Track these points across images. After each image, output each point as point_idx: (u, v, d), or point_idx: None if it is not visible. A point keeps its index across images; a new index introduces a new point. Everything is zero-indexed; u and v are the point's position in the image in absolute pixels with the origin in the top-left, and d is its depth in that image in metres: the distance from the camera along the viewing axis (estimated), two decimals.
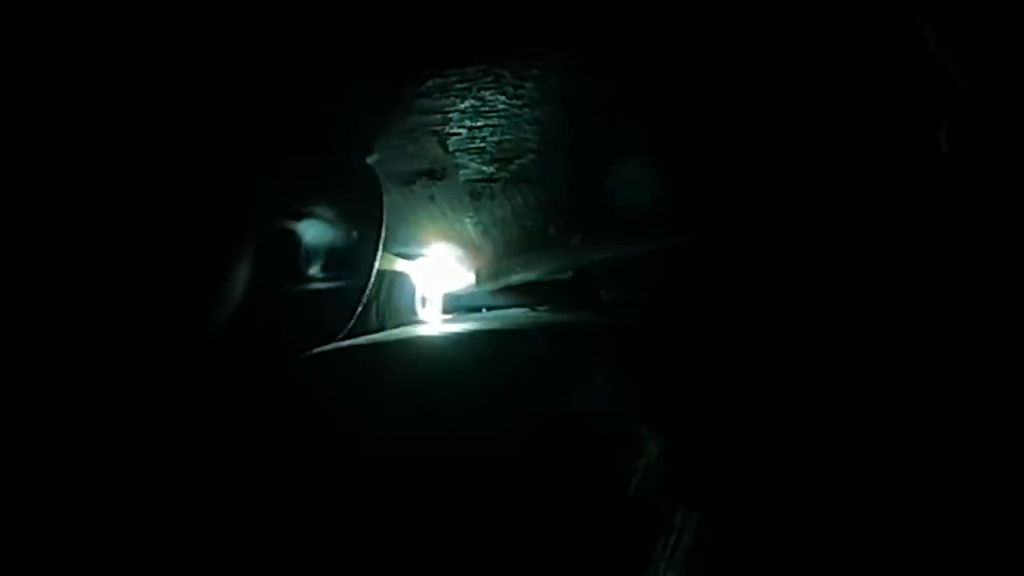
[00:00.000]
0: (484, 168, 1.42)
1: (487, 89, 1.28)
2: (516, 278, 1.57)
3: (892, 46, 1.07)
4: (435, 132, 1.36)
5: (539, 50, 1.23)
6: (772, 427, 1.07)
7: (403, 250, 1.61)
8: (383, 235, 1.33)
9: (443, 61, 1.24)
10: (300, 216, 1.27)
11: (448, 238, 1.60)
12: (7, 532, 0.91)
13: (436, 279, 1.66)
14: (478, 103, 1.30)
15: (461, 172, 1.44)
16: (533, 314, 1.50)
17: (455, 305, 1.66)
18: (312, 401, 1.12)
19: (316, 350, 1.23)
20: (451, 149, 1.39)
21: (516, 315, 1.51)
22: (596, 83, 1.29)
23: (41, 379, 0.97)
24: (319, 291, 1.29)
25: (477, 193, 1.47)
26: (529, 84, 1.27)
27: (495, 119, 1.33)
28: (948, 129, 1.03)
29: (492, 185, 1.45)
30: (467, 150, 1.39)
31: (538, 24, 1.20)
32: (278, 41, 1.16)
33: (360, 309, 1.32)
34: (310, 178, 1.31)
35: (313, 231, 1.28)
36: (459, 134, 1.35)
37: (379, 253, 1.32)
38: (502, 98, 1.29)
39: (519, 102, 1.30)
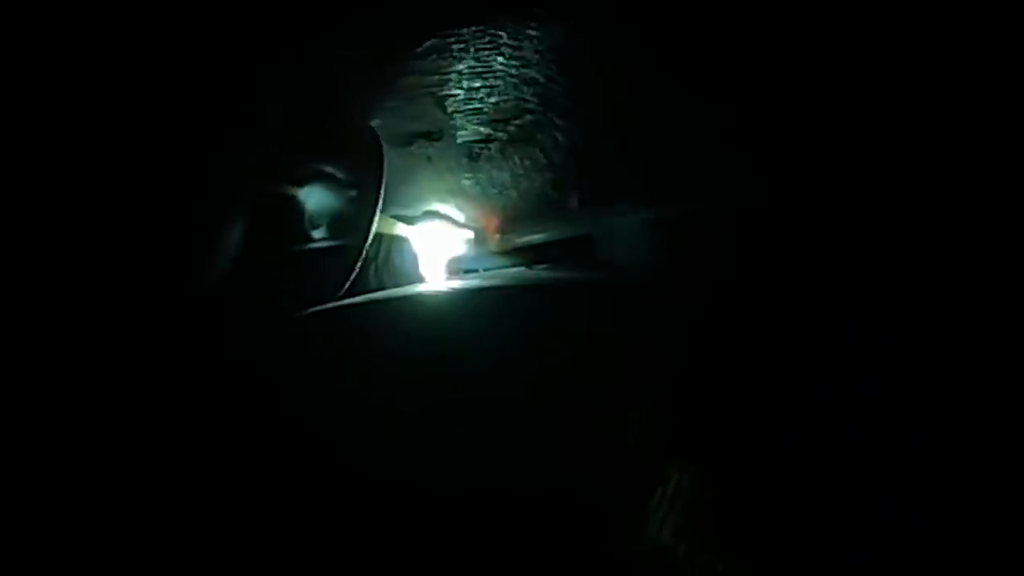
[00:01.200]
0: (481, 129, 1.43)
1: (484, 50, 1.28)
2: (518, 240, 1.59)
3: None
4: (432, 93, 1.36)
5: (536, 10, 1.22)
6: (763, 381, 1.10)
7: (404, 213, 1.62)
8: (382, 195, 1.33)
9: (440, 22, 1.23)
10: (300, 175, 1.28)
11: (449, 199, 1.61)
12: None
13: (438, 242, 1.67)
14: (475, 64, 1.30)
15: (459, 133, 1.44)
16: (531, 272, 1.52)
17: (457, 267, 1.67)
18: (307, 358, 1.13)
19: (313, 308, 1.25)
20: (448, 110, 1.39)
21: (514, 273, 1.53)
22: (593, 44, 1.29)
23: (44, 325, 0.99)
24: (317, 250, 1.30)
25: (475, 154, 1.47)
26: (526, 44, 1.27)
27: (492, 80, 1.33)
28: None
29: (490, 146, 1.46)
30: (464, 111, 1.39)
31: None
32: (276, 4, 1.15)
33: (358, 268, 1.33)
34: (310, 138, 1.32)
35: (313, 191, 1.29)
36: (456, 95, 1.36)
37: (377, 212, 1.33)
38: (499, 59, 1.29)
39: (516, 63, 1.30)
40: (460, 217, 1.65)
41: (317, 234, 1.30)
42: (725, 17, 1.21)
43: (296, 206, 1.27)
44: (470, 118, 1.41)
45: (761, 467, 1.03)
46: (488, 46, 1.27)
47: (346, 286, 1.33)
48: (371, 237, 1.33)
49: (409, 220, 1.63)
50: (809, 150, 1.26)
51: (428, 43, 1.25)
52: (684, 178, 1.41)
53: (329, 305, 1.26)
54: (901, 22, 1.10)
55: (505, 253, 1.62)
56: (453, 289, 1.32)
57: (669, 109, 1.36)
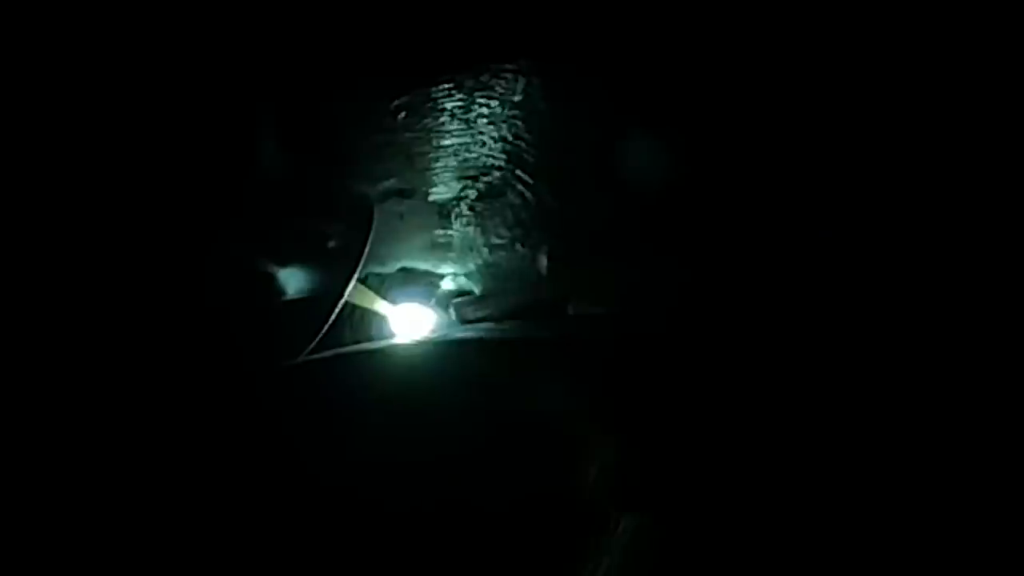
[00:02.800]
0: (452, 186, 1.46)
1: (454, 108, 1.33)
2: (490, 297, 1.60)
3: None
4: (403, 152, 1.39)
5: (504, 69, 1.29)
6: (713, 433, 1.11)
7: (378, 270, 1.63)
8: (365, 254, 1.36)
9: (410, 81, 1.29)
10: (284, 231, 1.32)
11: (422, 256, 1.63)
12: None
13: (427, 294, 1.68)
14: (445, 122, 1.35)
15: (430, 191, 1.48)
16: (498, 327, 1.53)
17: (433, 321, 1.68)
18: (284, 410, 1.15)
19: (287, 362, 1.26)
20: (419, 168, 1.42)
21: (483, 328, 1.53)
22: (560, 102, 1.35)
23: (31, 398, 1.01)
24: (294, 302, 1.32)
25: (446, 212, 1.51)
26: (494, 103, 1.32)
27: (461, 138, 1.37)
28: None
29: (460, 203, 1.49)
30: (435, 169, 1.43)
31: (502, 45, 1.26)
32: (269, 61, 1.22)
33: (331, 321, 1.34)
34: (304, 195, 1.37)
35: (297, 246, 1.33)
36: (426, 153, 1.40)
37: (358, 271, 1.35)
38: (468, 117, 1.34)
39: (485, 120, 1.35)
40: (435, 272, 1.66)
41: (295, 286, 1.33)
42: (695, 74, 1.28)
43: (278, 260, 1.30)
44: (441, 175, 1.44)
45: (704, 516, 1.03)
46: (457, 104, 1.32)
47: (319, 337, 1.33)
48: (349, 290, 1.34)
49: (383, 278, 1.64)
50: (785, 203, 1.31)
51: (398, 102, 1.30)
52: (652, 234, 1.44)
53: (304, 358, 1.28)
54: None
55: (478, 309, 1.62)
56: (422, 343, 1.34)
57: (637, 165, 1.40)
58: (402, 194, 1.47)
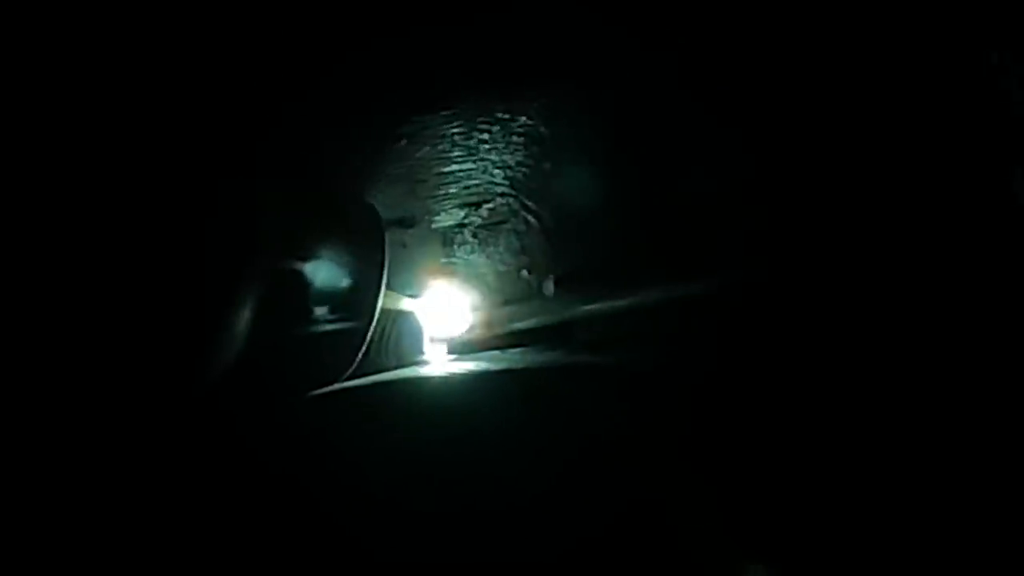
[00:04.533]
0: (454, 214, 1.44)
1: (455, 135, 1.31)
2: (511, 323, 1.57)
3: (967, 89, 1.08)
4: (405, 180, 1.38)
5: (505, 95, 1.27)
6: None
7: (416, 294, 1.61)
8: (385, 275, 1.33)
9: (410, 109, 1.27)
10: (304, 258, 1.29)
11: (427, 285, 1.60)
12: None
13: (441, 319, 1.65)
14: (446, 149, 1.33)
15: (433, 219, 1.46)
16: (528, 354, 1.49)
17: (457, 348, 1.65)
18: (317, 441, 1.11)
19: (321, 390, 1.23)
20: (421, 196, 1.41)
21: (512, 356, 1.50)
22: (562, 128, 1.33)
23: (46, 415, 0.98)
24: (324, 332, 1.29)
25: (449, 240, 1.48)
26: (496, 129, 1.30)
27: (463, 165, 1.35)
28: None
29: (463, 231, 1.47)
30: (437, 197, 1.41)
31: (503, 70, 1.25)
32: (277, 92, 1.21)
33: (365, 348, 1.31)
34: (312, 221, 1.34)
35: (317, 273, 1.30)
36: (428, 181, 1.38)
37: (381, 293, 1.32)
38: (469, 144, 1.32)
39: (487, 147, 1.33)
40: (456, 299, 1.64)
41: (323, 316, 1.31)
42: (698, 98, 1.25)
43: (302, 289, 1.27)
44: (443, 203, 1.42)
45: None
46: (458, 131, 1.30)
47: (353, 366, 1.30)
48: (376, 318, 1.32)
49: (415, 297, 1.62)
50: (786, 225, 1.28)
51: (399, 130, 1.29)
52: (658, 258, 1.41)
53: (336, 386, 1.25)
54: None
55: (500, 335, 1.59)
56: (457, 372, 1.31)
57: (639, 190, 1.38)
58: (403, 223, 1.45)
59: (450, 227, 1.47)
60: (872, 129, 1.18)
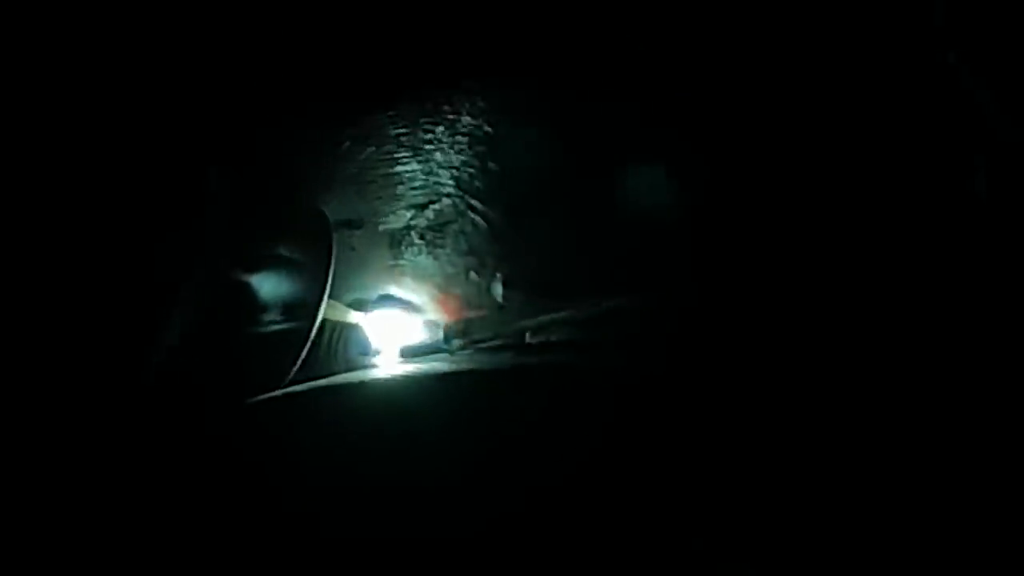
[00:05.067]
0: (401, 216, 1.44)
1: (399, 136, 1.31)
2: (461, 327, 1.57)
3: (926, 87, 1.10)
4: (350, 182, 1.37)
5: (450, 95, 1.27)
6: None
7: (367, 296, 1.60)
8: (331, 278, 1.32)
9: (354, 109, 1.27)
10: (250, 259, 1.29)
11: (375, 287, 1.59)
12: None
13: (390, 324, 1.64)
14: (391, 150, 1.33)
15: (380, 221, 1.45)
16: (477, 356, 1.48)
17: (410, 353, 1.64)
18: (257, 445, 1.10)
19: (262, 395, 1.21)
20: (368, 198, 1.40)
21: (461, 358, 1.49)
22: (508, 127, 1.33)
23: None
24: (267, 333, 1.29)
25: (396, 241, 1.48)
26: (440, 130, 1.30)
27: (408, 166, 1.36)
28: (984, 171, 1.04)
29: (410, 233, 1.46)
30: (383, 198, 1.41)
31: (445, 68, 1.25)
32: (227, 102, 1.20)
33: (306, 352, 1.29)
34: (262, 225, 1.34)
35: (263, 274, 1.30)
36: (374, 183, 1.37)
37: (326, 296, 1.31)
38: (414, 144, 1.32)
39: (431, 147, 1.33)
40: (410, 302, 1.63)
41: (267, 318, 1.29)
42: (648, 93, 1.27)
43: (247, 290, 1.28)
44: (390, 204, 1.42)
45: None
46: (402, 131, 1.30)
47: (295, 369, 1.28)
48: (319, 320, 1.30)
49: (364, 310, 1.60)
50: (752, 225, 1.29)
51: (344, 131, 1.28)
52: (604, 261, 1.42)
53: (279, 391, 1.23)
54: None
55: (451, 337, 1.58)
56: (403, 375, 1.29)
57: (589, 187, 1.39)
58: (351, 225, 1.44)
59: (398, 229, 1.46)
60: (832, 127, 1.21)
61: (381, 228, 1.46)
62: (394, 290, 1.56)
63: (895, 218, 1.16)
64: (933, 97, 1.11)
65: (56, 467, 1.01)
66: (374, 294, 1.57)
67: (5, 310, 1.03)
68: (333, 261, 1.32)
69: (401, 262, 1.51)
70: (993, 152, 1.05)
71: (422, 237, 1.46)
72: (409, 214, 1.44)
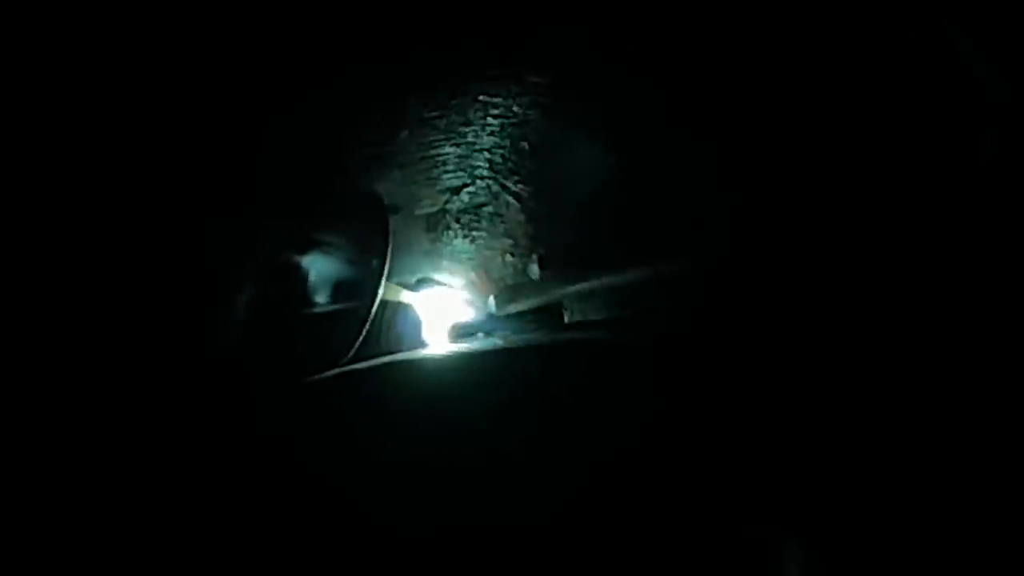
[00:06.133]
0: (437, 198, 1.45)
1: (432, 120, 1.31)
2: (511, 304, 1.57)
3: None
4: (384, 166, 1.38)
5: (482, 78, 1.27)
6: None
7: (407, 281, 1.62)
8: (388, 260, 1.35)
9: (386, 93, 1.27)
10: (307, 243, 1.31)
11: (417, 271, 1.61)
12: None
13: (442, 309, 1.66)
14: (426, 132, 1.33)
15: (415, 205, 1.46)
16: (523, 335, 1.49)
17: (461, 333, 1.66)
18: (314, 424, 1.11)
19: (321, 374, 1.24)
20: (403, 182, 1.41)
21: (515, 336, 1.49)
22: (541, 110, 1.33)
23: (59, 383, 1.02)
24: (324, 314, 1.32)
25: (432, 225, 1.49)
26: (472, 113, 1.30)
27: (442, 149, 1.36)
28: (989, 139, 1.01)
29: (446, 216, 1.47)
30: (417, 182, 1.42)
31: (479, 53, 1.25)
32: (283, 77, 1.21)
33: (364, 333, 1.32)
34: (317, 206, 1.36)
35: (319, 256, 1.32)
36: (407, 166, 1.38)
37: (384, 277, 1.34)
38: (447, 127, 1.33)
39: (466, 130, 1.33)
40: (454, 284, 1.64)
41: (323, 299, 1.32)
42: (683, 80, 1.24)
43: (303, 272, 1.30)
44: (423, 189, 1.43)
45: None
46: (435, 115, 1.30)
47: (352, 351, 1.32)
48: (377, 302, 1.33)
49: (415, 289, 1.63)
50: (770, 207, 1.26)
51: (375, 115, 1.29)
52: (643, 238, 1.40)
53: (336, 370, 1.24)
54: None
55: (503, 317, 1.59)
56: (459, 353, 1.30)
57: (622, 170, 1.37)
58: (389, 209, 1.46)
59: (433, 212, 1.47)
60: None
61: (417, 212, 1.48)
62: (434, 273, 1.58)
63: (893, 199, 1.13)
64: (932, 74, 1.07)
65: (115, 448, 1.03)
66: (413, 278, 1.59)
67: (63, 297, 1.05)
68: (391, 242, 1.34)
69: (439, 245, 1.53)
70: (997, 128, 1.00)
71: (458, 220, 1.47)
72: (444, 197, 1.44)
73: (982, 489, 0.92)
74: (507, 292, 1.49)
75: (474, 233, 1.48)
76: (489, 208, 1.43)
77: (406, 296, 1.57)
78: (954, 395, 0.95)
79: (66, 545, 0.95)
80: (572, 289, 1.46)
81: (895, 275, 1.09)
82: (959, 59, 0.98)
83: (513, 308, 1.52)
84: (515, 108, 1.29)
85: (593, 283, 1.43)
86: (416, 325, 1.60)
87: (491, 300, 1.46)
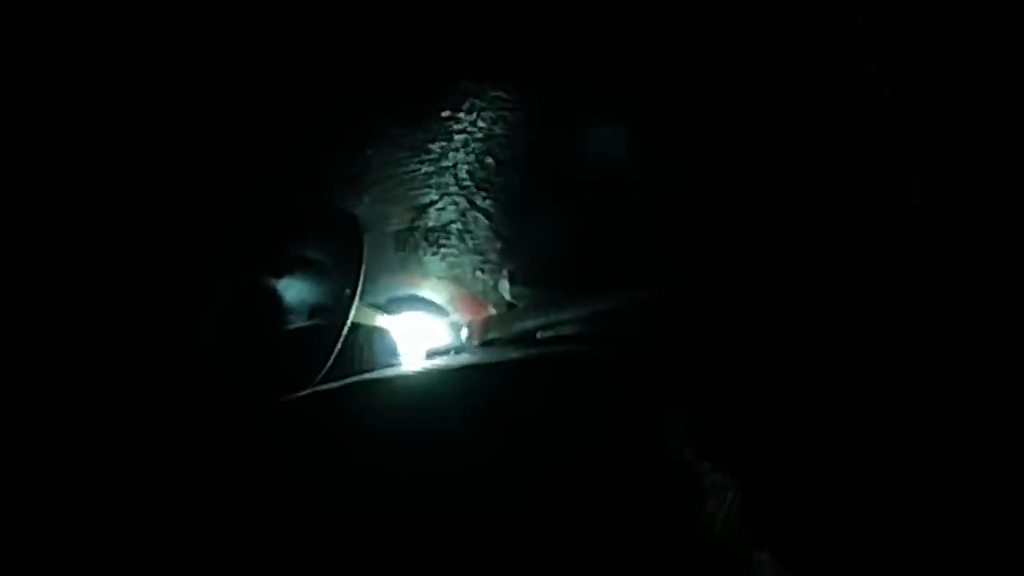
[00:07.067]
0: (406, 216, 1.45)
1: (399, 138, 1.32)
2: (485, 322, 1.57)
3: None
4: (352, 184, 1.38)
5: (448, 97, 1.28)
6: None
7: (379, 300, 1.62)
8: (362, 278, 1.35)
9: (353, 111, 1.28)
10: (280, 261, 1.31)
11: (387, 289, 1.60)
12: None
13: (417, 331, 1.66)
14: (393, 150, 1.34)
15: (384, 223, 1.46)
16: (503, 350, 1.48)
17: (432, 351, 1.65)
18: (287, 443, 1.12)
19: (293, 395, 1.22)
20: (369, 201, 1.41)
21: (487, 352, 1.48)
22: (507, 127, 1.33)
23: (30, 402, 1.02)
24: (297, 331, 1.31)
25: (401, 242, 1.49)
26: (435, 128, 1.31)
27: (409, 166, 1.36)
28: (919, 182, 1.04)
29: (414, 233, 1.47)
30: (386, 200, 1.41)
31: (444, 69, 1.26)
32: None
33: (336, 353, 1.32)
34: (289, 225, 1.36)
35: (293, 276, 1.32)
36: (375, 184, 1.38)
37: (357, 295, 1.34)
38: (414, 145, 1.33)
39: (434, 146, 1.34)
40: (432, 303, 1.64)
41: (296, 318, 1.32)
42: (649, 90, 1.26)
43: (275, 291, 1.30)
44: (392, 207, 1.43)
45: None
46: (400, 133, 1.31)
47: (326, 368, 1.31)
48: (350, 320, 1.33)
49: (391, 313, 1.62)
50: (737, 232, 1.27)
51: (343, 134, 1.30)
52: (607, 255, 1.41)
53: (310, 390, 1.25)
54: None
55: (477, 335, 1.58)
56: (431, 370, 1.30)
57: (587, 189, 1.38)
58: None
59: (402, 230, 1.47)
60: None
61: (386, 230, 1.47)
62: (409, 291, 1.58)
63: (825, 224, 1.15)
64: (851, 110, 1.09)
65: (84, 465, 1.03)
66: (384, 297, 1.59)
67: (35, 311, 1.05)
68: (364, 263, 1.34)
69: (409, 263, 1.52)
70: (925, 163, 1.04)
71: (426, 238, 1.47)
72: (412, 215, 1.44)
73: (958, 493, 0.92)
74: (479, 325, 1.49)
75: (443, 250, 1.48)
76: (457, 225, 1.44)
77: (381, 320, 1.57)
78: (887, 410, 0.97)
79: (37, 546, 0.95)
80: (540, 322, 1.45)
81: (839, 303, 1.12)
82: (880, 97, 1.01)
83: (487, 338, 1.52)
84: (480, 123, 1.30)
85: (561, 315, 1.43)
86: (391, 347, 1.59)
87: (463, 332, 1.47)
